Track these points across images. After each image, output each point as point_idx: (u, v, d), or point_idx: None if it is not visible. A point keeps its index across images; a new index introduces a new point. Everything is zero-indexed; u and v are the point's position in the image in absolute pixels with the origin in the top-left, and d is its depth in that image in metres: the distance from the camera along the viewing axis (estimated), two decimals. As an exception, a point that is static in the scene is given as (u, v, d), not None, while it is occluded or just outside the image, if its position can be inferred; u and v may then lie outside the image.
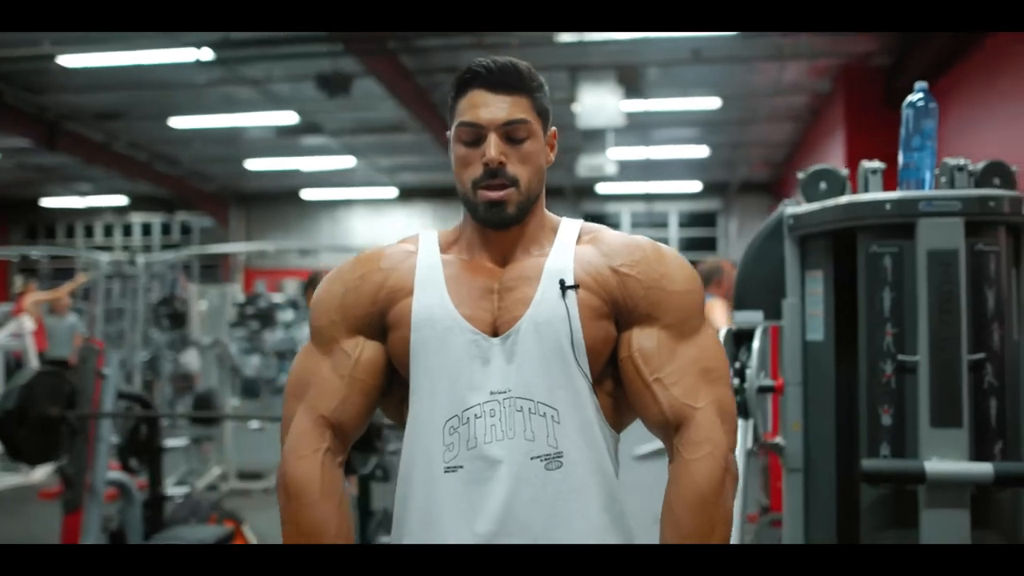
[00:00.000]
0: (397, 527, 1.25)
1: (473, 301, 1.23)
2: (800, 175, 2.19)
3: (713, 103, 10.87)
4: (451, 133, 1.27)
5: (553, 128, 1.32)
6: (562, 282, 1.20)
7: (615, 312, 1.22)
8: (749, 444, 2.17)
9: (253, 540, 3.98)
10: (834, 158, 10.10)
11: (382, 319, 1.26)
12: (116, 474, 3.51)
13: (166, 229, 13.76)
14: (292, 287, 14.82)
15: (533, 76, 1.27)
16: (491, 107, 1.22)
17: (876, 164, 2.10)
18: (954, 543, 1.82)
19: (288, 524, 1.23)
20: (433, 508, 1.19)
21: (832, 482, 2.06)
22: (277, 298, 10.87)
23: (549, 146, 1.31)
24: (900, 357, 1.90)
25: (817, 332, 2.09)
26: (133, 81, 10.15)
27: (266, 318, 6.11)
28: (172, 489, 4.15)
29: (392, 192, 17.59)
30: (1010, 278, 1.98)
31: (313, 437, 1.23)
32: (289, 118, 11.82)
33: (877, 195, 1.98)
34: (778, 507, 3.55)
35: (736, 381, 2.18)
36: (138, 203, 16.85)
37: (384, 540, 3.68)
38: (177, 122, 12.02)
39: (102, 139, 12.94)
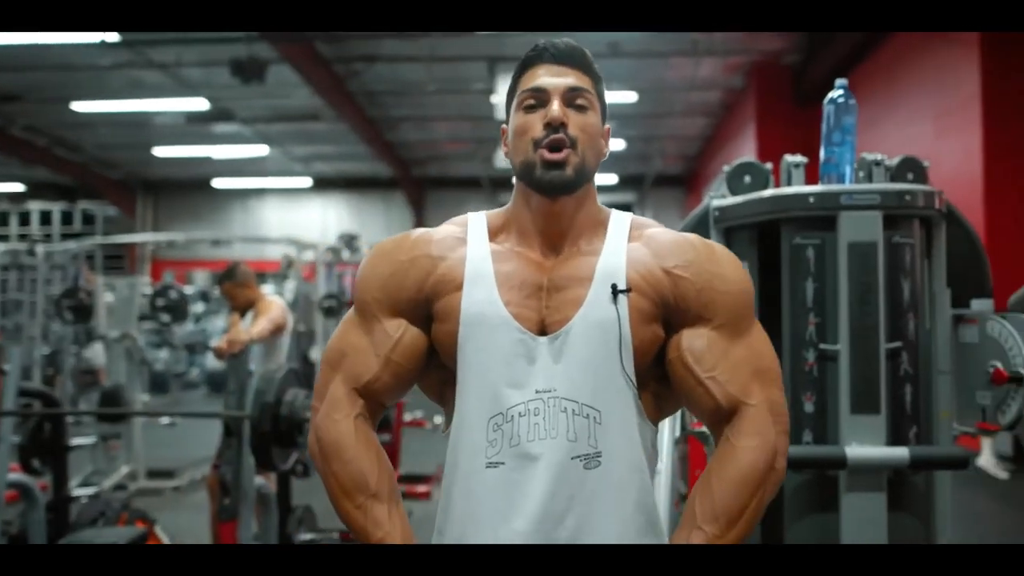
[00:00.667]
0: (441, 516, 1.26)
1: (522, 299, 1.22)
2: (725, 168, 2.22)
3: (630, 97, 11.02)
4: (511, 111, 1.27)
5: (608, 125, 1.32)
6: (614, 286, 1.20)
7: (665, 313, 1.22)
8: (677, 433, 2.21)
9: (166, 541, 3.86)
10: (745, 152, 10.35)
11: (427, 307, 1.26)
12: (17, 476, 3.35)
13: (67, 218, 13.19)
14: (202, 278, 14.44)
15: (594, 63, 1.28)
16: (555, 75, 1.24)
17: (799, 158, 2.14)
18: (872, 526, 1.88)
19: (330, 481, 1.24)
20: (474, 501, 1.20)
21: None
22: (188, 290, 10.54)
23: (604, 137, 1.30)
24: (822, 346, 1.95)
25: (742, 322, 2.13)
26: (32, 62, 9.69)
27: (177, 310, 5.91)
28: (78, 490, 3.98)
29: (307, 182, 17.30)
30: (923, 270, 2.06)
31: (347, 403, 1.25)
32: (200, 104, 11.49)
33: (801, 188, 2.03)
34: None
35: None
36: (36, 190, 16.15)
37: (305, 537, 3.62)
38: (80, 106, 11.55)
39: (-3, 122, 12.33)
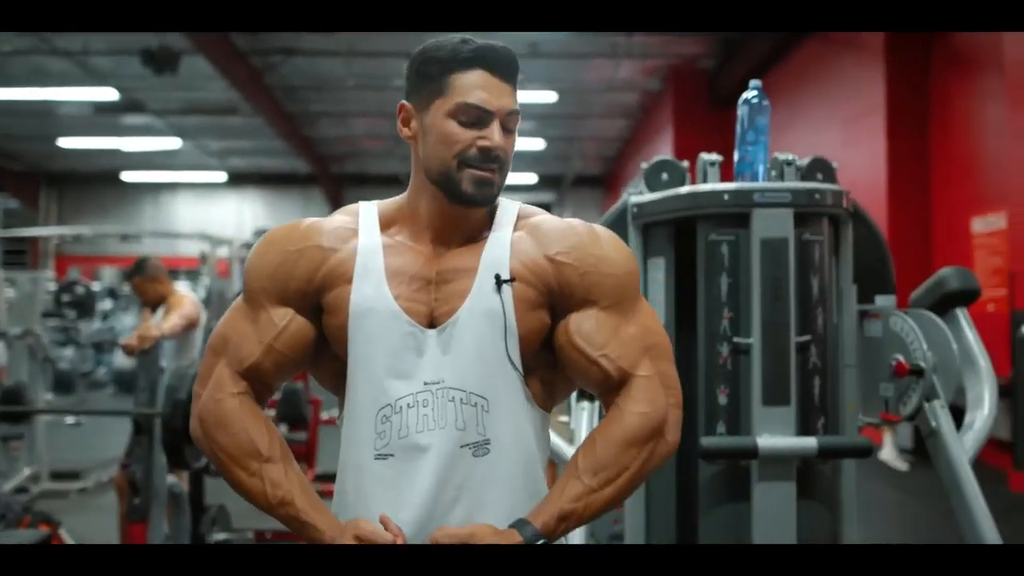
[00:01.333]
0: (335, 508, 1.27)
1: (411, 293, 1.23)
2: (643, 165, 2.26)
3: (549, 97, 11.10)
4: (427, 105, 1.23)
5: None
6: (497, 276, 1.21)
7: (551, 300, 1.24)
8: (595, 425, 2.23)
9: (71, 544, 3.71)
10: (662, 153, 10.51)
11: (317, 298, 1.25)
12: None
13: (-36, 210, 12.59)
14: (110, 275, 13.95)
15: (518, 69, 1.27)
16: (501, 95, 1.22)
17: (714, 156, 2.19)
18: (782, 514, 1.94)
19: (219, 456, 1.23)
20: (364, 494, 1.21)
21: (672, 459, 2.15)
22: (95, 286, 10.17)
23: None
24: (735, 339, 2.00)
25: (659, 316, 2.16)
26: (-75, 46, 9.21)
27: (84, 306, 5.70)
28: (-23, 492, 3.80)
29: (222, 177, 16.88)
30: (831, 266, 2.13)
31: (230, 383, 1.25)
32: (109, 94, 11.09)
33: (716, 185, 2.08)
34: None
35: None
36: (-70, 181, 15.35)
37: (219, 537, 3.53)
38: (-22, 94, 11.03)
39: None
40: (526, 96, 10.84)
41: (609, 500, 1.20)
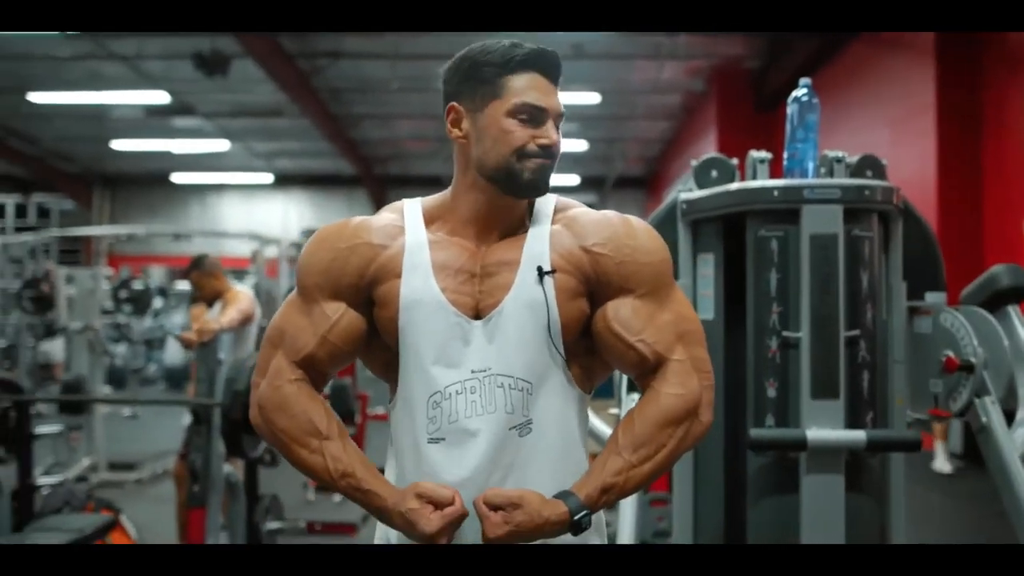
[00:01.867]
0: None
1: (457, 285, 1.29)
2: (693, 163, 2.30)
3: (593, 98, 11.11)
4: (491, 109, 1.29)
5: None
6: (539, 268, 1.28)
7: (589, 289, 1.30)
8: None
9: (132, 530, 3.84)
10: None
11: (368, 292, 1.32)
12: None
13: (21, 211, 12.88)
14: (159, 274, 14.24)
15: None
16: (552, 96, 1.30)
17: (764, 154, 2.22)
18: (831, 507, 1.96)
19: (281, 439, 1.31)
20: (420, 474, 1.27)
21: (720, 452, 2.18)
22: (155, 282, 10.42)
23: None
24: (784, 333, 2.03)
25: (708, 311, 2.20)
26: (-12, 50, 9.51)
27: (140, 302, 5.86)
28: (42, 479, 3.94)
29: (268, 178, 17.15)
30: (880, 262, 2.15)
31: (288, 371, 1.32)
32: (160, 97, 11.35)
33: (766, 182, 2.11)
34: (656, 487, 3.66)
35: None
36: (-11, 182, 15.79)
37: (271, 526, 3.63)
38: (37, 97, 11.33)
39: (-50, 112, 12.06)
40: (569, 97, 10.85)
41: (648, 475, 1.26)
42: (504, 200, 1.31)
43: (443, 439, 1.27)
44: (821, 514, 1.98)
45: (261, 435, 1.36)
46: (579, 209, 1.37)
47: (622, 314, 1.29)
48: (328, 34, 9.28)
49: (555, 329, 1.27)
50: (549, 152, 1.28)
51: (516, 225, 1.34)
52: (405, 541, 1.28)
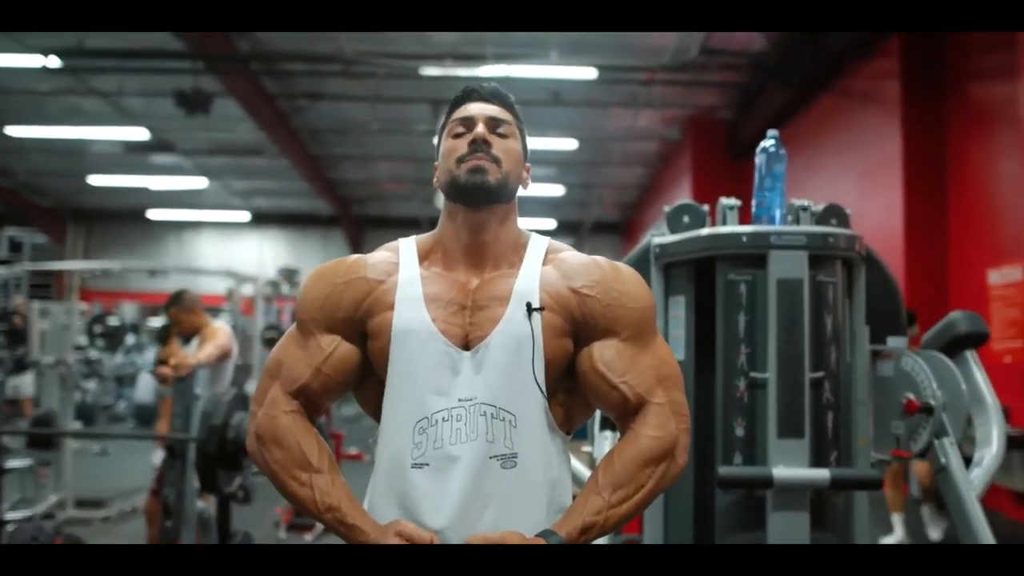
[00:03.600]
0: (369, 511, 1.35)
1: (448, 316, 1.34)
2: (666, 208, 2.38)
3: (570, 144, 11.29)
4: (440, 141, 1.42)
5: (528, 164, 1.47)
6: (528, 305, 1.33)
7: (575, 329, 1.36)
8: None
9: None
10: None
11: (362, 325, 1.37)
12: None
13: (-7, 244, 12.81)
14: (130, 311, 14.14)
15: (516, 108, 1.45)
16: (481, 109, 1.41)
17: (733, 201, 2.32)
18: (796, 542, 2.02)
19: (274, 469, 1.34)
20: (400, 499, 1.31)
21: (690, 488, 2.23)
22: (128, 319, 10.34)
23: (526, 169, 1.46)
24: (752, 374, 2.10)
25: (679, 352, 2.26)
26: (-35, 84, 9.52)
27: (114, 338, 5.83)
28: (11, 513, 3.90)
29: (245, 216, 17.16)
30: (844, 306, 2.23)
31: (283, 402, 1.37)
32: (139, 134, 11.39)
33: (735, 228, 2.19)
34: (627, 530, 3.69)
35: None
36: (-39, 215, 15.66)
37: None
38: (14, 131, 11.33)
39: (-75, 144, 12.00)
40: (547, 143, 11.04)
41: (626, 514, 1.30)
42: (471, 215, 1.38)
43: (427, 464, 1.30)
44: (787, 551, 2.02)
45: (256, 463, 1.39)
46: (569, 252, 1.44)
47: (607, 356, 1.34)
48: (308, 76, 9.41)
49: (539, 363, 1.32)
50: (476, 146, 1.36)
51: (505, 261, 1.40)
52: None
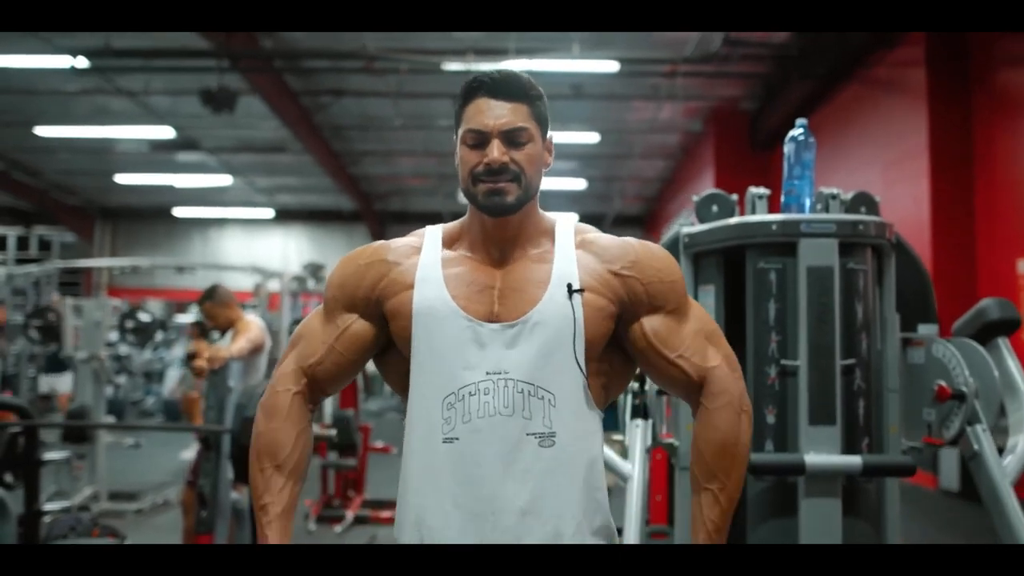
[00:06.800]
0: (402, 489, 1.39)
1: (471, 294, 1.37)
2: (695, 198, 2.40)
3: (592, 138, 11.28)
4: (456, 138, 1.41)
5: (551, 135, 1.46)
6: (569, 286, 1.36)
7: (620, 310, 1.39)
8: (648, 442, 2.34)
9: (136, 556, 3.87)
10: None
11: (379, 306, 1.41)
12: (-8, 487, 3.37)
13: (22, 243, 12.99)
14: (158, 307, 14.31)
15: (532, 86, 1.41)
16: (494, 113, 1.36)
17: (763, 190, 2.33)
18: (828, 530, 2.03)
19: (255, 440, 1.41)
20: (432, 474, 1.34)
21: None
22: (159, 314, 10.47)
23: (547, 150, 1.45)
24: (783, 362, 2.11)
25: (709, 340, 2.28)
26: (-4, 84, 9.66)
27: (145, 333, 5.93)
28: (48, 505, 3.98)
29: (269, 213, 17.28)
30: (875, 294, 2.24)
31: (292, 379, 1.43)
32: (165, 132, 11.51)
33: (764, 216, 2.20)
34: (656, 520, 3.69)
35: (636, 385, 2.35)
36: (-9, 215, 15.91)
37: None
38: (43, 131, 11.48)
39: (-44, 144, 12.19)
40: (568, 136, 11.04)
41: (737, 485, 1.38)
42: (494, 220, 1.39)
43: (457, 439, 1.33)
44: (819, 537, 2.04)
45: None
46: (597, 234, 1.46)
47: (660, 332, 1.39)
48: (330, 73, 9.47)
49: (580, 344, 1.34)
50: (492, 170, 1.35)
51: (533, 246, 1.43)
52: (433, 541, 1.33)
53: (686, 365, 1.40)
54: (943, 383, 2.23)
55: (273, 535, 1.34)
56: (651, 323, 1.40)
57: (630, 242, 1.45)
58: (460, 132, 1.40)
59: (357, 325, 1.42)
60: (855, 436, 2.12)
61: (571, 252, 1.41)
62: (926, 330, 2.36)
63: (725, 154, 10.69)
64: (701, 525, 1.36)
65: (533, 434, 1.33)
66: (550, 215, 1.48)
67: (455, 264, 1.41)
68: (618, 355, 1.44)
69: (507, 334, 1.35)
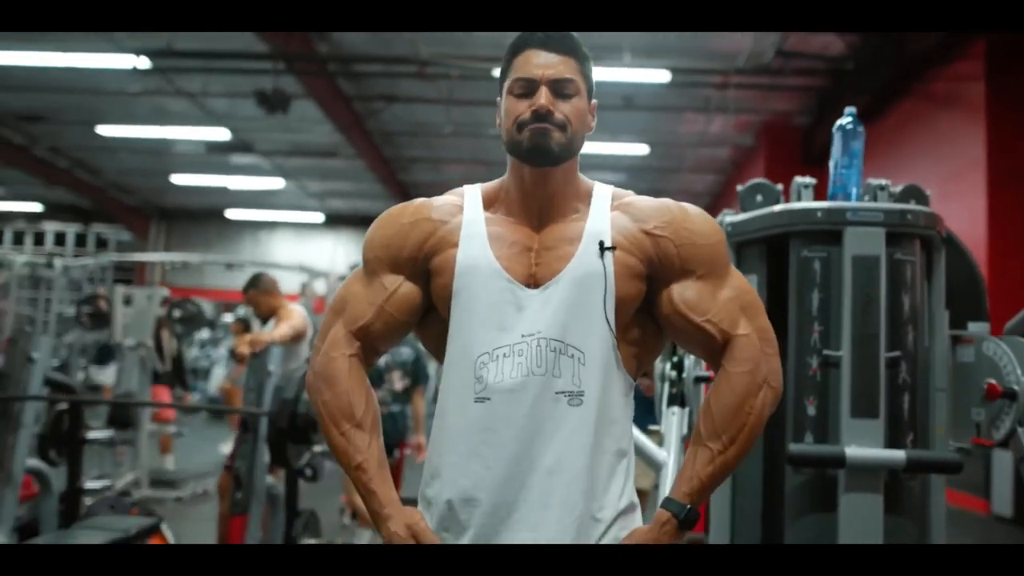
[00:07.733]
0: (433, 449, 1.39)
1: (512, 255, 1.36)
2: (739, 188, 2.36)
3: (641, 149, 11.24)
4: (503, 92, 1.38)
5: (595, 100, 1.43)
6: (601, 243, 1.34)
7: (650, 270, 1.36)
8: (684, 430, 2.31)
9: (171, 539, 3.91)
10: (754, 208, 10.49)
11: (425, 264, 1.40)
12: (34, 462, 3.44)
13: (80, 240, 13.33)
14: (207, 307, 14.56)
15: (582, 45, 1.39)
16: (544, 63, 1.34)
17: (808, 179, 2.28)
18: (869, 527, 1.97)
19: (321, 410, 1.39)
20: (464, 434, 1.33)
21: (759, 468, 2.19)
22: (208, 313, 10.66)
23: (591, 113, 1.42)
24: (825, 352, 2.06)
25: (750, 330, 2.23)
26: (61, 83, 9.94)
27: (193, 322, 6.03)
28: (90, 483, 4.05)
29: (319, 217, 17.50)
30: (923, 287, 2.17)
31: (344, 343, 1.40)
32: (221, 134, 11.73)
33: (809, 204, 2.16)
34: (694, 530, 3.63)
35: (674, 373, 2.32)
36: (53, 211, 16.34)
37: (309, 542, 3.68)
38: (104, 130, 11.78)
39: (21, 141, 12.56)
40: (617, 148, 11.01)
41: (738, 455, 1.33)
42: (535, 173, 1.37)
43: (488, 399, 1.32)
44: (859, 533, 1.97)
45: (309, 398, 1.44)
46: (636, 196, 1.44)
47: (688, 296, 1.35)
48: (383, 78, 9.57)
49: (610, 302, 1.33)
50: (539, 115, 1.32)
51: (571, 209, 1.40)
52: (461, 497, 1.32)
53: (712, 329, 1.35)
54: (993, 381, 2.15)
55: (380, 488, 1.34)
56: (681, 288, 1.36)
57: (667, 203, 1.42)
58: (507, 84, 1.37)
59: (406, 287, 1.40)
60: (899, 432, 2.05)
61: (606, 212, 1.39)
62: (977, 328, 2.28)
63: (776, 169, 10.54)
64: (686, 479, 1.32)
65: (562, 392, 1.31)
66: (589, 181, 1.46)
67: (497, 224, 1.40)
68: (651, 325, 1.41)
69: (543, 296, 1.33)
